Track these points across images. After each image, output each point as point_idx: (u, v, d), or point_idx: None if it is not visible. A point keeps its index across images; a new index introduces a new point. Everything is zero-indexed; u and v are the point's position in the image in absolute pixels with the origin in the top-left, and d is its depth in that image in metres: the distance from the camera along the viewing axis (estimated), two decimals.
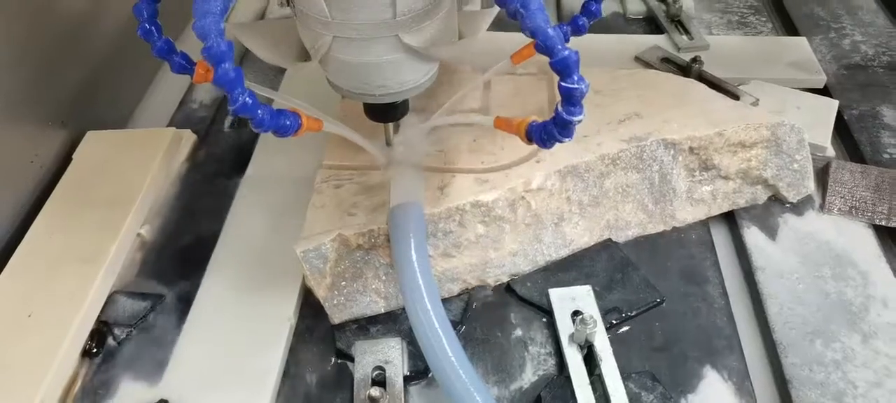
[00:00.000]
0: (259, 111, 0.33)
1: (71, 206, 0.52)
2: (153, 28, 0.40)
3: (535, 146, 0.44)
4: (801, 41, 0.69)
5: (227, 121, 0.63)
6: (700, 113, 0.52)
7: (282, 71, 0.67)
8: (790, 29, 0.73)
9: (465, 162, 0.49)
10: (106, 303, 0.47)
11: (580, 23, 0.46)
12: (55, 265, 0.48)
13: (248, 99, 0.32)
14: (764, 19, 0.75)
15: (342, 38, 0.38)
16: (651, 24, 0.74)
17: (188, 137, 0.60)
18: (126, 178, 0.54)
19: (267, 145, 0.59)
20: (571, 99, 0.33)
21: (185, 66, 0.41)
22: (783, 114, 0.57)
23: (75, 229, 0.50)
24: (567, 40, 0.44)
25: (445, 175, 0.48)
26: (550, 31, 0.32)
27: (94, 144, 0.57)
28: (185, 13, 0.59)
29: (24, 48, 0.54)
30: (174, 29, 0.73)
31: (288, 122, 0.35)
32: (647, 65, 0.66)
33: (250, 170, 0.57)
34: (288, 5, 0.40)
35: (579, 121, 0.34)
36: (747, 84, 0.62)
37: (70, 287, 0.46)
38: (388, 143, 0.47)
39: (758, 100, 0.59)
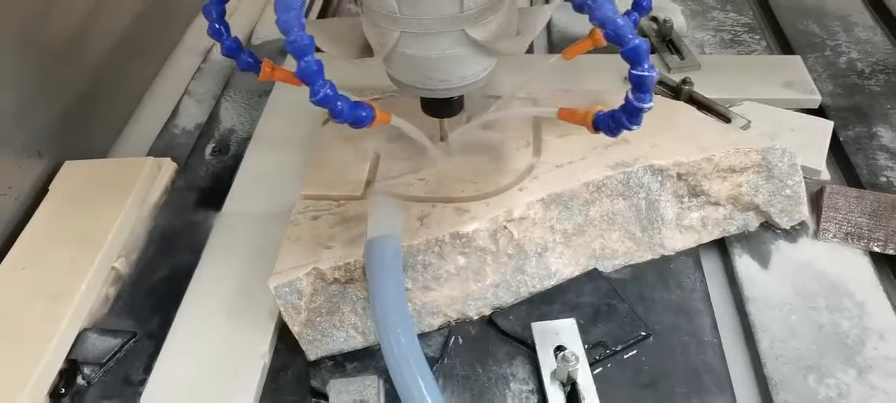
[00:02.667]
0: (338, 103, 0.35)
1: (44, 240, 0.51)
2: (222, 27, 0.43)
3: (522, 171, 0.47)
4: (796, 59, 0.67)
5: (209, 147, 0.62)
6: (688, 137, 0.51)
7: (266, 92, 0.66)
8: (785, 47, 0.72)
9: (446, 190, 0.48)
10: (75, 341, 0.46)
11: (632, 18, 0.47)
12: (24, 302, 0.46)
13: (328, 90, 0.34)
14: (758, 37, 0.73)
15: (409, 33, 0.39)
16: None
17: (168, 166, 0.59)
18: (102, 210, 0.53)
19: (247, 175, 0.58)
20: (642, 86, 0.34)
21: (251, 63, 0.44)
22: (776, 136, 0.56)
23: (47, 264, 0.49)
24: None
25: (425, 205, 0.47)
26: (620, 20, 0.33)
27: (72, 175, 0.57)
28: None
29: (1, 77, 0.53)
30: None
31: (364, 114, 0.37)
32: None
33: (229, 200, 0.56)
34: (355, 3, 0.41)
35: (649, 108, 0.35)
36: (740, 105, 0.60)
37: (38, 324, 0.45)
38: (442, 139, 0.48)
39: (749, 122, 0.58)
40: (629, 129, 0.37)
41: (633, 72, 0.34)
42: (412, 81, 0.42)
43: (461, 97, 0.45)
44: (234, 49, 0.44)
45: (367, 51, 0.42)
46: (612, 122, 0.38)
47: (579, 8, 0.34)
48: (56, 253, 0.50)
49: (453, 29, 0.39)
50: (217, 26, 0.43)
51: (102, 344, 0.46)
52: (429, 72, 0.41)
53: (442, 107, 0.45)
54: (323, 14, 0.86)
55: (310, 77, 0.33)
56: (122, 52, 0.67)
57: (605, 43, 0.39)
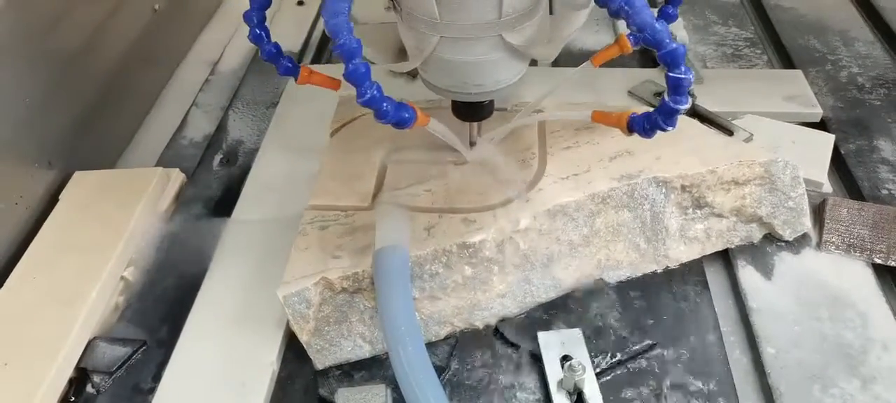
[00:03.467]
0: (384, 103, 0.37)
1: (54, 249, 0.51)
2: (262, 33, 0.45)
3: (529, 180, 0.48)
4: (797, 74, 0.68)
5: (218, 159, 0.63)
6: (692, 150, 0.51)
7: (273, 104, 0.67)
8: (785, 61, 0.73)
9: (452, 201, 0.48)
10: (85, 350, 0.46)
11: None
12: (35, 310, 0.47)
13: (375, 92, 0.36)
14: (759, 51, 0.74)
15: (448, 39, 0.41)
16: (645, 57, 0.73)
17: (176, 176, 0.59)
18: (111, 220, 0.53)
19: (255, 185, 0.58)
20: (679, 88, 0.36)
21: (290, 68, 0.46)
22: (778, 149, 0.56)
23: (57, 272, 0.49)
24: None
25: (432, 215, 0.47)
26: (658, 25, 0.34)
27: (81, 185, 0.57)
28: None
29: (11, 88, 0.54)
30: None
31: (407, 115, 0.39)
32: (640, 100, 0.65)
33: (237, 210, 0.56)
34: (394, 10, 0.42)
35: (685, 110, 0.37)
36: (742, 118, 0.61)
37: (48, 333, 0.45)
38: (472, 143, 0.50)
39: (752, 135, 0.58)
40: (664, 130, 0.39)
41: (671, 74, 0.35)
42: (448, 85, 0.44)
43: (492, 101, 0.46)
44: (273, 54, 0.46)
45: (402, 55, 0.44)
46: (647, 124, 0.40)
47: (616, 14, 0.35)
48: (66, 262, 0.50)
49: (491, 34, 0.40)
50: (258, 31, 0.45)
51: (112, 353, 0.46)
52: (465, 76, 0.43)
53: (474, 111, 0.47)
54: None
55: (358, 78, 0.35)
56: (130, 63, 0.68)
57: (631, 49, 0.42)
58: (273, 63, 0.46)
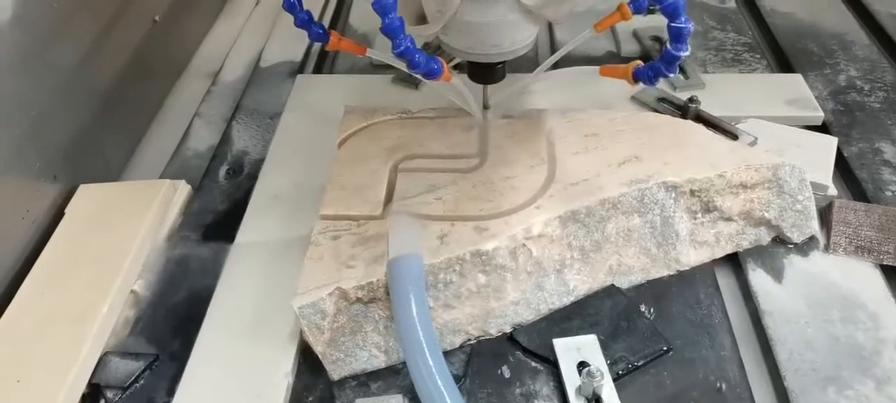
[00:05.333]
0: (417, 54, 0.39)
1: (62, 263, 0.51)
2: (296, 2, 0.47)
3: (537, 191, 0.49)
4: (797, 78, 0.69)
5: (223, 170, 0.62)
6: (700, 155, 0.52)
7: (277, 113, 0.67)
8: (784, 65, 0.73)
9: (463, 209, 0.48)
10: (97, 365, 0.46)
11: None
12: (45, 326, 0.46)
13: (409, 43, 0.38)
14: (758, 56, 0.75)
15: (469, 1, 0.44)
16: (647, 61, 0.74)
17: (183, 188, 0.59)
18: (119, 233, 0.53)
19: (263, 196, 0.58)
20: (679, 36, 0.39)
21: (321, 34, 0.49)
22: (782, 152, 0.57)
23: (66, 287, 0.49)
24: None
25: (444, 223, 0.47)
26: None
27: (87, 198, 0.57)
28: None
29: (15, 101, 0.53)
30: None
31: (436, 66, 0.41)
32: (644, 105, 0.65)
33: (246, 221, 0.56)
34: None
35: (686, 56, 0.40)
36: (745, 122, 0.62)
37: (60, 349, 0.45)
38: (486, 106, 0.52)
39: (756, 139, 0.59)
40: (666, 77, 0.44)
41: (672, 24, 0.39)
42: (466, 47, 0.47)
43: (504, 65, 0.49)
44: (306, 21, 0.48)
45: (421, 20, 0.46)
46: (651, 72, 0.44)
47: None
48: (75, 277, 0.50)
49: None
50: (292, 0, 0.47)
51: (125, 368, 0.46)
52: (484, 37, 0.46)
53: (489, 74, 0.49)
54: (336, 14, 0.87)
55: (393, 31, 0.37)
56: (131, 75, 0.68)
57: (631, 17, 0.46)
58: (304, 29, 0.48)
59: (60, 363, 0.44)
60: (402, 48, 0.38)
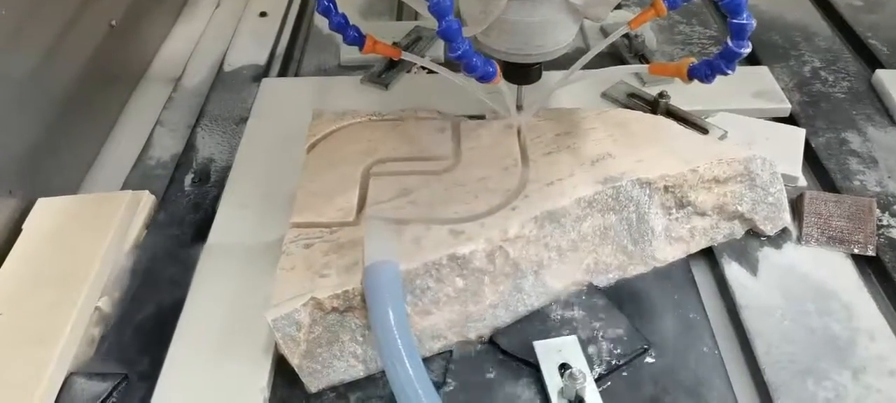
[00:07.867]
0: (474, 58, 0.40)
1: (22, 282, 0.49)
2: (331, 4, 0.48)
3: (511, 193, 0.49)
4: (763, 70, 0.69)
5: (188, 178, 0.61)
6: (672, 150, 0.52)
7: (243, 119, 0.65)
8: (750, 57, 0.73)
9: (438, 212, 0.48)
10: (62, 387, 0.44)
11: None
12: (5, 348, 0.44)
13: (467, 46, 0.39)
14: None
15: (516, 1, 0.44)
16: (615, 58, 0.74)
17: (147, 199, 0.57)
18: (81, 248, 0.51)
19: (231, 204, 0.56)
20: (741, 33, 0.39)
21: (357, 38, 0.49)
22: (753, 145, 0.57)
23: (27, 307, 0.47)
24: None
25: (419, 227, 0.46)
26: None
27: (46, 212, 0.54)
28: None
29: None
30: None
31: (491, 69, 0.42)
32: (615, 101, 0.65)
33: (214, 231, 0.54)
34: None
35: (747, 53, 0.40)
36: (714, 116, 0.62)
37: (23, 372, 0.43)
38: (519, 106, 0.53)
39: (726, 132, 0.59)
40: (725, 74, 0.42)
41: (734, 21, 0.38)
42: (510, 47, 0.47)
43: (541, 66, 0.49)
44: (341, 24, 0.49)
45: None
46: (708, 69, 0.43)
47: None
48: (35, 296, 0.48)
49: None
50: (327, 3, 0.47)
51: (92, 389, 0.44)
52: (528, 37, 0.46)
53: (525, 74, 0.49)
54: (299, 14, 0.85)
55: (451, 35, 0.38)
56: (88, 82, 0.65)
57: (665, 13, 0.46)
58: (340, 32, 0.49)
59: (24, 387, 0.42)
60: (460, 51, 0.39)
